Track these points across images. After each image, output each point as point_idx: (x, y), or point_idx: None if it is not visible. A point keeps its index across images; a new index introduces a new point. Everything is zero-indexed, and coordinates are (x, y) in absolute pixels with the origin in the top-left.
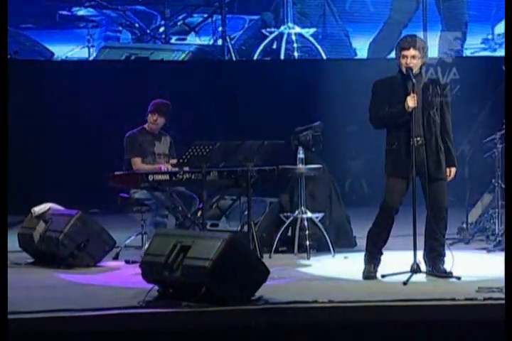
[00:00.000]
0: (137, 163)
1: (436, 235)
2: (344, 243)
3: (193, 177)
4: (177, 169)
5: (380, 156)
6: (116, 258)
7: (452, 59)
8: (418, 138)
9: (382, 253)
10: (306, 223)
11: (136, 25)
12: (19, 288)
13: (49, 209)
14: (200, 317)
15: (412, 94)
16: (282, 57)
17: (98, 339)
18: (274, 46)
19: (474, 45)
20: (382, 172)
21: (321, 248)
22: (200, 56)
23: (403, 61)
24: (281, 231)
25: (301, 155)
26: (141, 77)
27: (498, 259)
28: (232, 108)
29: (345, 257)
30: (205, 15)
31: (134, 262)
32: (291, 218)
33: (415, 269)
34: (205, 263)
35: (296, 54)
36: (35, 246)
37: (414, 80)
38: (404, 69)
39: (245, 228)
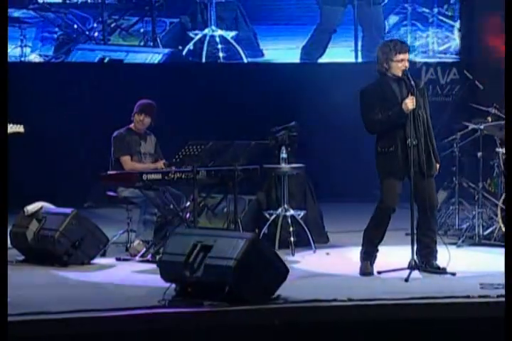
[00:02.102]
0: (127, 161)
1: (429, 232)
2: (318, 239)
3: (183, 176)
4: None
5: (323, 155)
6: (104, 255)
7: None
8: (414, 139)
9: (378, 250)
10: (289, 220)
11: (75, 26)
12: (23, 286)
13: (41, 207)
14: (224, 316)
15: (410, 96)
16: (204, 59)
17: (121, 339)
18: (192, 47)
19: None
20: (326, 170)
21: (299, 244)
22: (175, 58)
23: (401, 64)
24: (264, 229)
25: (283, 154)
26: (116, 79)
27: (473, 254)
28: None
29: (327, 253)
30: (137, 18)
31: (124, 259)
32: (274, 215)
33: (413, 266)
34: (229, 263)
35: (221, 55)
36: (27, 245)
37: (412, 82)
38: (399, 73)
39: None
